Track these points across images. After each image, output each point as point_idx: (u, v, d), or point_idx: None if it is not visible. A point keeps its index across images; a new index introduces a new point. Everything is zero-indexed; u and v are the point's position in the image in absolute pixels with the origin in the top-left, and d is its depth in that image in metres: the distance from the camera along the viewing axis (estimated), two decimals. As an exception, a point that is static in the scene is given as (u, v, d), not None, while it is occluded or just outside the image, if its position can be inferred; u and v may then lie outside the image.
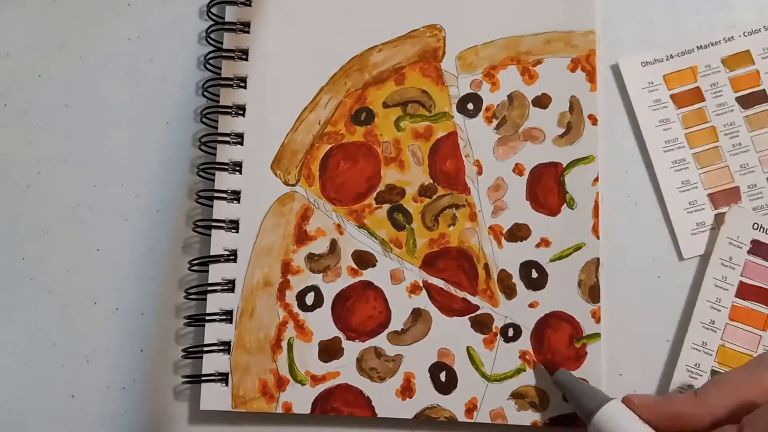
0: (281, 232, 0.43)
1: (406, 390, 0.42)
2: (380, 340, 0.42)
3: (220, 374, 0.42)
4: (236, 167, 0.44)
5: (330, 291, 0.43)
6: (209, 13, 0.45)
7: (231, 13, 0.45)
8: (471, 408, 0.41)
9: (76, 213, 0.46)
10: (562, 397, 0.41)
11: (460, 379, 0.42)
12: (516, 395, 0.41)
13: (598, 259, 0.42)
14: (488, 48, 0.44)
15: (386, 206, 0.43)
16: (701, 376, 0.41)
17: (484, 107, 0.44)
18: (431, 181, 0.43)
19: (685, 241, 0.42)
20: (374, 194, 0.44)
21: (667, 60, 0.44)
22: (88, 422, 0.44)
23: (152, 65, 0.47)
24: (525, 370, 0.42)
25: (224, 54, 0.45)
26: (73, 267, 0.45)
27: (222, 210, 0.44)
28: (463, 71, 0.44)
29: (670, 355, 0.42)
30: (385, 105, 0.44)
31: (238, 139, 0.44)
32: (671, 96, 0.44)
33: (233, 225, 0.44)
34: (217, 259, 0.43)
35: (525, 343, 0.42)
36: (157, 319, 0.45)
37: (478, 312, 0.42)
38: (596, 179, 0.42)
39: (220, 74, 0.45)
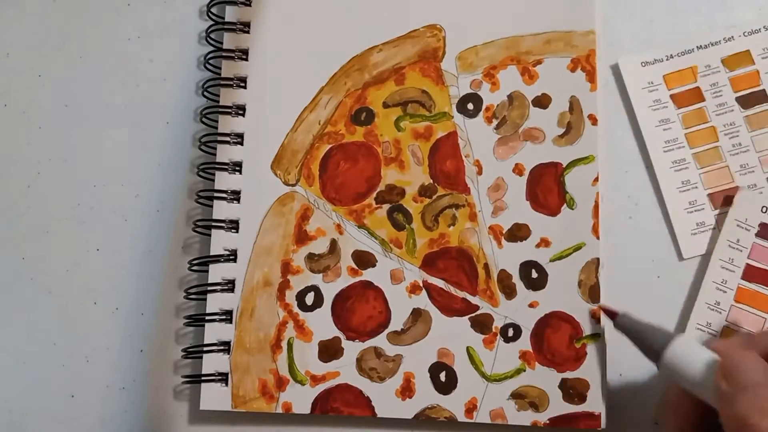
0: (281, 232, 0.43)
1: (406, 390, 0.42)
2: (380, 340, 0.42)
3: (220, 374, 0.42)
4: (236, 167, 0.44)
5: (330, 291, 0.43)
6: (209, 13, 0.45)
7: (231, 13, 0.45)
8: (471, 408, 0.41)
9: (76, 213, 0.46)
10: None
11: (460, 379, 0.42)
12: (516, 395, 0.41)
13: (598, 259, 0.42)
14: (488, 48, 0.44)
15: (386, 206, 0.43)
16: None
17: (484, 107, 0.44)
18: (431, 181, 0.43)
19: (685, 241, 0.42)
20: (374, 194, 0.44)
21: (667, 60, 0.44)
22: (88, 422, 0.44)
23: (152, 65, 0.47)
24: (525, 370, 0.42)
25: (224, 54, 0.45)
26: (73, 267, 0.45)
27: (222, 210, 0.44)
28: (463, 71, 0.44)
29: (670, 355, 0.42)
30: (385, 105, 0.44)
31: (238, 139, 0.44)
32: (671, 96, 0.44)
33: (233, 225, 0.44)
34: (217, 259, 0.43)
35: (525, 343, 0.42)
36: (157, 319, 0.45)
37: (478, 312, 0.42)
38: (596, 179, 0.42)
39: (220, 74, 0.45)
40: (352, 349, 0.42)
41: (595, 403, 0.41)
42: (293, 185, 0.44)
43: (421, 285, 0.43)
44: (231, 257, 0.43)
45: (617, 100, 0.44)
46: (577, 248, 0.42)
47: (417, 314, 0.42)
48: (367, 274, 0.43)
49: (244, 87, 0.44)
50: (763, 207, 0.42)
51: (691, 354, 0.36)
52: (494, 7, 0.44)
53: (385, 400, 0.42)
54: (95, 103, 0.47)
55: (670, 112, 0.44)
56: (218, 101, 0.45)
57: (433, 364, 0.42)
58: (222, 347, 0.43)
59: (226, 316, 0.43)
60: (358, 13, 0.45)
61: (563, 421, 0.41)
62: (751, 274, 0.41)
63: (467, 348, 0.42)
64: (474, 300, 0.42)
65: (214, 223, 0.43)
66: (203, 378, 0.42)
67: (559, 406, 0.41)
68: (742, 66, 0.43)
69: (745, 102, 0.43)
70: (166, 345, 0.44)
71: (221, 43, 0.45)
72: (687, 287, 0.42)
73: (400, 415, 0.42)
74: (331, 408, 0.42)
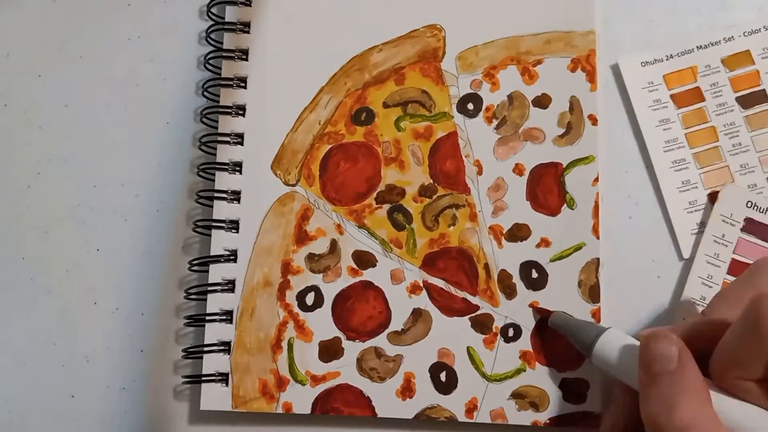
0: (281, 232, 0.43)
1: (406, 390, 0.42)
2: (380, 340, 0.42)
3: (220, 374, 0.42)
4: (236, 167, 0.44)
5: (330, 291, 0.43)
6: (209, 13, 0.45)
7: (231, 13, 0.45)
8: (471, 408, 0.42)
9: (76, 213, 0.46)
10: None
11: (460, 379, 0.42)
12: (516, 395, 0.41)
13: (598, 259, 0.42)
14: (488, 48, 0.44)
15: (386, 206, 0.43)
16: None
17: (484, 107, 0.44)
18: (431, 181, 0.43)
19: (685, 241, 0.42)
20: (374, 194, 0.44)
21: (667, 60, 0.44)
22: (88, 422, 0.44)
23: (152, 65, 0.47)
24: (525, 370, 0.42)
25: (224, 54, 0.45)
26: (73, 267, 0.45)
27: (222, 210, 0.44)
28: (463, 71, 0.44)
29: (670, 355, 0.42)
30: (385, 105, 0.44)
31: (238, 139, 0.44)
32: (671, 96, 0.44)
33: (233, 225, 0.44)
34: (217, 259, 0.43)
35: (525, 343, 0.42)
36: (157, 319, 0.45)
37: (478, 312, 0.42)
38: (596, 179, 0.42)
39: (220, 74, 0.45)
40: (352, 349, 0.42)
41: (594, 403, 0.41)
42: (293, 185, 0.44)
43: (422, 285, 0.43)
44: (231, 257, 0.43)
45: (617, 100, 0.44)
46: (577, 248, 0.42)
47: (417, 314, 0.42)
48: (368, 274, 0.43)
49: (244, 87, 0.44)
50: (748, 202, 0.42)
51: (620, 345, 0.36)
52: (494, 7, 0.44)
53: (385, 400, 0.42)
54: (95, 103, 0.46)
55: (670, 112, 0.44)
56: (218, 101, 0.45)
57: (434, 364, 0.42)
58: (222, 347, 0.43)
59: (227, 316, 0.43)
60: (358, 13, 0.45)
61: (563, 421, 0.41)
62: (736, 269, 0.41)
63: (467, 348, 0.42)
64: (474, 300, 0.42)
65: (214, 223, 0.43)
66: (203, 378, 0.42)
67: (559, 406, 0.41)
68: (742, 66, 0.43)
69: (745, 102, 0.43)
70: (167, 345, 0.44)
71: (221, 43, 0.45)
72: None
73: (401, 415, 0.42)
74: (332, 408, 0.42)
